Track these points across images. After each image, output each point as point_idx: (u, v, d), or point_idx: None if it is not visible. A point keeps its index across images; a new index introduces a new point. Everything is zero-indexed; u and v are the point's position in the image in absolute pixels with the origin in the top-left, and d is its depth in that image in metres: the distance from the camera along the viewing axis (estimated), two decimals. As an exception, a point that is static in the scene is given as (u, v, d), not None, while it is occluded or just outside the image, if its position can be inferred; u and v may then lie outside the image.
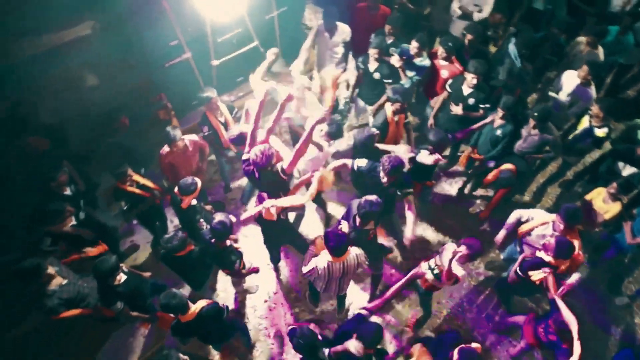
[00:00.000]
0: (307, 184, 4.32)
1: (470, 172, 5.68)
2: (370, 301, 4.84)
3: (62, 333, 4.67)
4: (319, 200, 5.31)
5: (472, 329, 4.78)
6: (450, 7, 6.09)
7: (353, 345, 3.13)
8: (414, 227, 4.29)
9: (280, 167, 4.00)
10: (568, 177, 5.84)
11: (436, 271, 3.93)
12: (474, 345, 3.30)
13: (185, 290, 4.58)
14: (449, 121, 5.39)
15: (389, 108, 4.84)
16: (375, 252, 4.27)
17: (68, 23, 5.02)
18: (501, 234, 4.49)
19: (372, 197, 3.70)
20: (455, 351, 3.17)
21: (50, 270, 3.71)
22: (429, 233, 5.56)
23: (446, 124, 5.53)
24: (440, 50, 5.39)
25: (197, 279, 4.33)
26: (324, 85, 5.10)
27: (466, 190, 5.86)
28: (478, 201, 5.89)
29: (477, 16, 5.89)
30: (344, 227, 3.91)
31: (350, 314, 4.83)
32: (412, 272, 4.17)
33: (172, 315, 3.51)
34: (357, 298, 4.97)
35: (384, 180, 4.12)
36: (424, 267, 4.04)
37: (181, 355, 3.16)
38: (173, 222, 5.46)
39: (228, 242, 3.98)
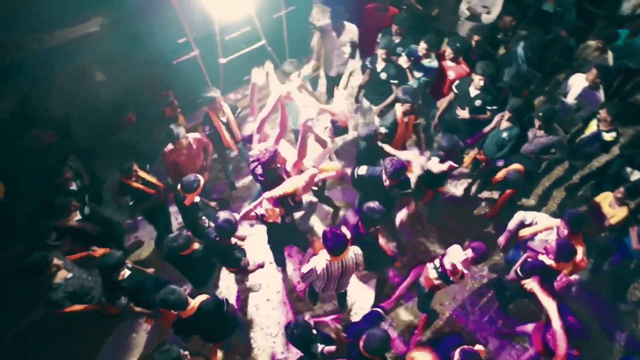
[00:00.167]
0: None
1: (477, 172, 5.63)
2: (375, 304, 4.83)
3: (65, 328, 4.71)
4: (324, 199, 5.32)
5: (474, 332, 4.76)
6: (459, 9, 6.08)
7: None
8: (404, 219, 4.37)
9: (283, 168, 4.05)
10: (574, 181, 5.80)
11: (440, 270, 3.93)
12: (477, 347, 3.29)
13: (188, 288, 4.60)
14: (455, 123, 5.37)
15: (399, 109, 4.83)
16: (380, 257, 4.27)
17: (77, 20, 5.05)
18: (504, 236, 4.47)
19: (374, 204, 3.73)
20: (457, 352, 3.15)
21: (57, 261, 3.73)
22: (433, 235, 5.55)
23: (452, 126, 5.52)
24: (447, 51, 5.38)
25: (201, 278, 4.34)
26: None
27: (472, 191, 5.83)
28: (483, 203, 5.87)
29: (485, 18, 5.87)
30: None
31: (353, 313, 4.85)
32: (417, 269, 4.17)
33: (173, 311, 3.51)
34: (360, 297, 4.97)
35: (386, 183, 4.13)
36: (429, 267, 4.05)
37: (182, 351, 3.17)
38: (177, 219, 5.48)
39: (233, 240, 3.99)
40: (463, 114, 5.20)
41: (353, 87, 6.94)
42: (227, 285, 5.10)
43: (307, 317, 3.31)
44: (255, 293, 5.06)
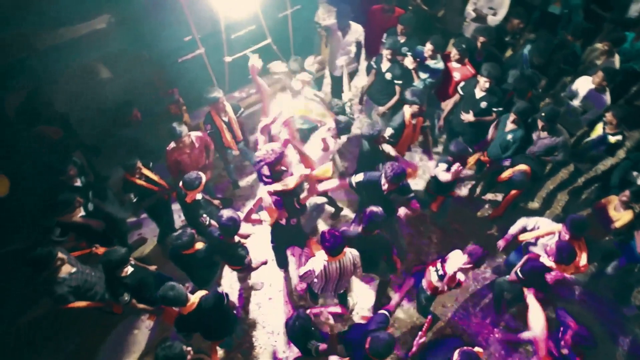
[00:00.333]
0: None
1: (484, 170, 5.58)
2: (375, 306, 4.84)
3: (67, 323, 4.74)
4: (327, 199, 5.32)
5: (476, 334, 4.75)
6: (465, 10, 6.06)
7: None
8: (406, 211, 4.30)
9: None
10: (579, 184, 5.78)
11: (441, 273, 3.94)
12: (476, 349, 3.28)
13: (190, 286, 4.61)
14: (460, 124, 5.36)
15: (407, 110, 4.81)
16: (378, 260, 4.28)
17: (84, 17, 5.08)
18: (504, 239, 4.44)
19: (377, 209, 3.75)
20: (456, 353, 3.15)
21: (61, 255, 3.74)
22: (436, 236, 5.53)
23: (457, 127, 5.50)
24: (453, 53, 5.36)
25: (204, 277, 4.34)
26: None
27: (476, 193, 5.81)
28: (486, 205, 5.85)
29: (491, 19, 5.86)
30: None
31: (355, 314, 4.84)
32: (418, 269, 4.17)
33: (174, 308, 3.52)
34: (362, 298, 4.97)
35: (385, 187, 4.13)
36: (431, 270, 4.05)
37: (185, 347, 3.17)
38: (181, 217, 5.49)
39: (237, 239, 3.99)
40: (468, 117, 5.18)
41: (357, 87, 6.95)
42: (229, 284, 5.10)
43: (308, 311, 3.32)
44: (257, 292, 5.06)
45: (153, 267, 4.51)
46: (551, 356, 3.70)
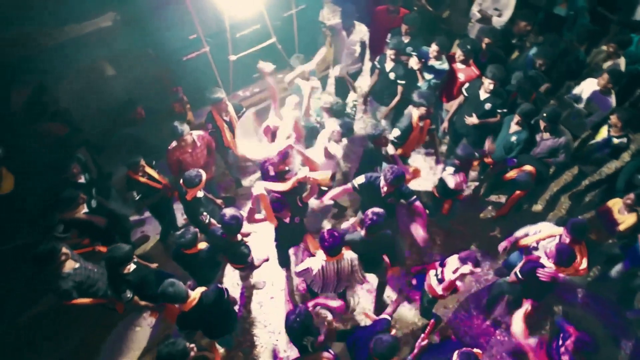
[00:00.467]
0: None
1: (488, 170, 5.56)
2: (376, 308, 4.84)
3: (69, 320, 4.75)
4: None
5: (478, 336, 4.73)
6: (470, 11, 6.05)
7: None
8: (425, 228, 4.28)
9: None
10: (583, 187, 5.75)
11: (440, 278, 3.95)
12: (476, 350, 3.28)
13: (192, 285, 4.62)
14: (464, 126, 5.35)
15: (415, 112, 4.79)
16: (377, 261, 4.28)
17: (90, 15, 5.10)
18: (503, 244, 4.41)
19: (377, 210, 3.76)
20: (455, 354, 3.16)
21: (65, 250, 3.76)
22: (439, 238, 5.52)
23: (461, 129, 5.49)
24: (458, 53, 5.35)
25: (206, 277, 4.34)
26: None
27: (480, 193, 5.79)
28: (490, 207, 5.83)
29: (496, 20, 5.84)
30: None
31: (356, 313, 4.84)
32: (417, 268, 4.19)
33: (175, 305, 3.53)
34: (363, 299, 4.97)
35: (384, 189, 4.12)
36: (431, 274, 4.05)
37: (188, 344, 3.17)
38: (184, 215, 5.51)
39: (239, 237, 4.00)
40: (472, 120, 5.17)
41: (361, 87, 6.94)
42: (231, 283, 5.11)
43: (311, 303, 3.36)
44: (259, 291, 5.07)
45: (154, 265, 4.53)
46: None
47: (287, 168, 4.21)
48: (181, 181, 4.27)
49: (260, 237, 5.12)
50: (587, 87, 5.14)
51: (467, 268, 3.71)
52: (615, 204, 4.47)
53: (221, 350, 4.56)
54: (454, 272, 3.76)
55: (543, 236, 4.12)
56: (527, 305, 3.75)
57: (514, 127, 4.87)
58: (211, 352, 3.82)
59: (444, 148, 6.35)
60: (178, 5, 5.00)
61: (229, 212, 3.78)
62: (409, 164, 5.67)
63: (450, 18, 6.56)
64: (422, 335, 3.56)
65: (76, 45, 5.02)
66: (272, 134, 4.73)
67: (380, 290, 4.74)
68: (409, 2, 6.32)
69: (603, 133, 4.90)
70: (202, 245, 4.03)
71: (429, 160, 6.28)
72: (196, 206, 4.39)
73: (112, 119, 5.24)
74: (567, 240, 3.87)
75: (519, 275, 3.95)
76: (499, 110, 5.08)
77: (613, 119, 4.69)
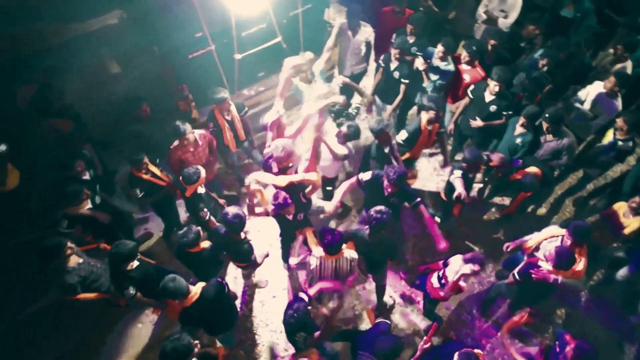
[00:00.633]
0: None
1: (492, 172, 5.53)
2: (376, 309, 4.83)
3: (72, 316, 4.77)
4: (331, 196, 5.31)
5: (480, 337, 4.72)
6: (476, 12, 6.03)
7: None
8: (440, 235, 4.24)
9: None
10: (588, 190, 5.72)
11: (443, 281, 3.94)
12: (476, 351, 3.27)
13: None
14: (468, 127, 5.33)
15: (424, 116, 4.77)
16: (381, 263, 4.28)
17: (97, 12, 5.13)
18: (512, 244, 4.38)
19: (381, 207, 3.71)
20: (456, 355, 3.16)
21: (70, 244, 3.79)
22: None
23: (466, 131, 5.48)
24: (463, 54, 5.33)
25: (209, 275, 4.32)
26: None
27: (485, 194, 5.77)
28: (493, 209, 5.81)
29: (502, 22, 5.82)
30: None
31: (358, 314, 4.83)
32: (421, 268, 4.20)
33: (177, 302, 3.53)
34: (364, 299, 4.97)
35: (387, 189, 4.10)
36: (434, 276, 4.04)
37: (192, 340, 3.18)
38: (187, 213, 5.52)
39: (242, 235, 4.00)
40: (476, 123, 5.16)
41: (366, 87, 6.94)
42: (233, 281, 5.11)
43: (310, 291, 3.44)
44: (261, 289, 5.07)
45: (152, 262, 4.54)
46: None
47: (290, 165, 4.20)
48: (181, 178, 4.29)
49: (259, 233, 5.14)
50: (592, 90, 5.12)
51: (468, 268, 3.70)
52: (621, 208, 4.44)
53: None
54: (456, 272, 3.75)
55: (545, 236, 4.09)
56: (520, 315, 3.76)
57: (519, 129, 4.85)
58: (216, 348, 3.84)
59: (448, 149, 6.33)
60: (184, 4, 5.02)
61: (231, 210, 3.79)
62: (414, 166, 5.66)
63: (456, 19, 6.54)
64: (425, 338, 3.57)
65: (82, 43, 5.04)
66: (277, 127, 4.72)
67: (380, 292, 4.73)
68: (414, 3, 6.31)
69: (609, 136, 4.87)
70: (205, 243, 4.03)
71: (432, 162, 6.27)
72: (196, 202, 4.39)
73: (117, 116, 5.26)
74: (569, 242, 3.85)
75: (516, 277, 3.95)
76: (504, 113, 5.06)
77: (619, 122, 4.65)
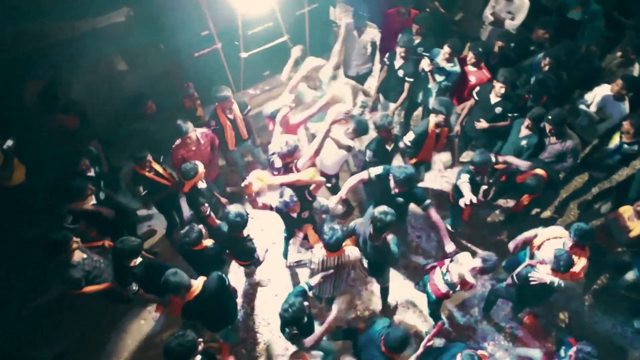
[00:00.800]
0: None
1: (497, 174, 5.51)
2: (381, 311, 4.83)
3: (74, 312, 4.79)
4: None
5: (482, 340, 4.70)
6: (483, 14, 6.01)
7: None
8: (448, 238, 4.22)
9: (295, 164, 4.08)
10: (593, 194, 5.68)
11: (446, 277, 3.90)
12: (480, 352, 3.26)
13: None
14: (473, 128, 5.31)
15: (432, 119, 4.74)
16: (383, 266, 4.26)
17: (104, 10, 5.16)
18: (513, 243, 4.37)
19: (384, 208, 3.66)
20: (459, 355, 3.16)
21: (76, 239, 3.82)
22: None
23: (471, 131, 5.46)
24: (469, 56, 5.32)
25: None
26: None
27: (489, 196, 5.74)
28: (497, 211, 5.79)
29: (508, 24, 5.80)
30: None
31: (359, 314, 4.82)
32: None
33: (179, 299, 3.54)
34: (366, 299, 4.96)
35: (395, 190, 4.08)
36: (437, 272, 4.01)
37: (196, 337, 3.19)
38: (191, 210, 5.53)
39: (245, 232, 4.01)
40: (481, 125, 5.14)
41: (371, 88, 6.93)
42: (235, 280, 5.10)
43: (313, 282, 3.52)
44: (263, 288, 5.07)
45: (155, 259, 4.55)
46: None
47: (295, 161, 4.19)
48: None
49: (262, 232, 5.13)
50: (599, 93, 5.09)
51: (478, 261, 3.71)
52: (626, 211, 4.41)
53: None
54: (465, 266, 3.75)
55: (549, 236, 4.07)
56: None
57: (524, 131, 4.82)
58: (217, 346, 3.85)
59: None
60: (191, 2, 5.04)
61: (233, 209, 3.80)
62: (422, 170, 5.65)
63: (463, 20, 6.53)
64: (428, 336, 3.57)
65: (89, 40, 5.08)
66: (286, 124, 4.70)
67: (384, 294, 4.72)
68: (420, 4, 6.30)
69: (615, 140, 4.84)
70: (208, 242, 4.04)
71: (437, 163, 6.25)
72: (196, 197, 4.38)
73: (123, 113, 5.28)
74: (570, 244, 3.84)
75: (515, 279, 3.94)
76: (509, 115, 5.04)
77: (626, 125, 4.62)
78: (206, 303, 3.56)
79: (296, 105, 5.14)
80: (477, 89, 5.25)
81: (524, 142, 4.83)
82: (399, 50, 5.24)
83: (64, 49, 4.97)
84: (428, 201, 4.17)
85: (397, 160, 5.02)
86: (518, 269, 3.98)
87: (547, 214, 5.79)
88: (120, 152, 5.56)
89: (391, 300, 4.85)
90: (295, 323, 3.33)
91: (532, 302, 4.29)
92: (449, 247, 4.18)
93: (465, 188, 4.30)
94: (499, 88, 4.90)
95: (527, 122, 4.72)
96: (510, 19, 5.82)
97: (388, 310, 4.82)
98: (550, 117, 4.57)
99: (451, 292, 3.95)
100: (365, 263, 3.94)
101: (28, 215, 4.84)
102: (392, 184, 4.06)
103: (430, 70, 5.23)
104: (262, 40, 5.66)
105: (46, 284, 4.92)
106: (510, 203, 5.68)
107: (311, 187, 4.27)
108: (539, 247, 4.08)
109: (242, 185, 4.04)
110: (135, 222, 5.34)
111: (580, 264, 3.84)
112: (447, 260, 4.04)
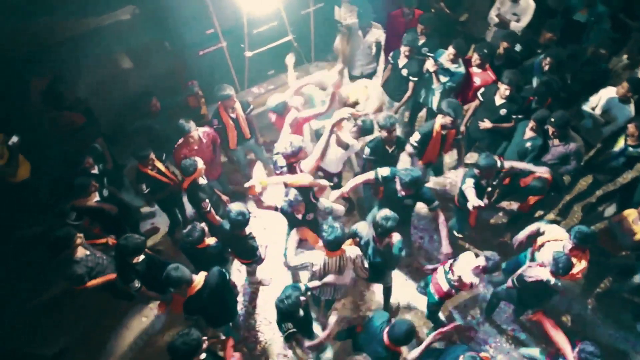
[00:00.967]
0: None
1: (500, 176, 5.49)
2: (384, 309, 4.78)
3: (76, 309, 4.80)
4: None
5: (484, 342, 4.69)
6: (488, 15, 5.99)
7: None
8: (448, 240, 4.22)
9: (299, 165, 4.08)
10: (597, 196, 5.65)
11: (449, 276, 3.89)
12: (483, 354, 3.25)
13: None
14: (477, 130, 5.29)
15: (438, 120, 4.70)
16: (384, 270, 4.24)
17: (109, 7, 5.18)
18: (518, 239, 4.33)
19: (387, 213, 3.65)
20: (461, 357, 3.15)
21: (80, 235, 3.85)
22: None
23: (474, 133, 5.44)
24: (474, 57, 5.30)
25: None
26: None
27: (493, 196, 5.73)
28: (500, 213, 5.77)
29: (514, 25, 5.78)
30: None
31: (361, 315, 4.82)
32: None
33: (181, 294, 3.54)
34: (368, 300, 4.95)
35: (401, 193, 4.07)
36: (440, 271, 4.01)
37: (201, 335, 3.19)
38: (193, 209, 5.54)
39: (247, 231, 4.01)
40: (485, 125, 5.12)
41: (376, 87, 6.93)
42: (236, 279, 5.11)
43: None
44: (264, 287, 5.07)
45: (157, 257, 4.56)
46: None
47: (299, 161, 4.19)
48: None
49: (265, 231, 5.13)
50: (604, 95, 5.06)
51: (482, 260, 3.70)
52: (631, 214, 4.38)
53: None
54: (469, 265, 3.74)
55: (550, 238, 4.05)
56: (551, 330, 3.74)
57: (528, 133, 4.80)
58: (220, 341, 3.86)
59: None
60: (196, 0, 5.05)
61: (235, 207, 3.80)
62: (430, 173, 5.63)
63: (468, 21, 6.51)
64: (435, 333, 3.56)
65: (94, 38, 5.10)
66: (296, 126, 4.70)
67: (386, 294, 4.71)
68: (425, 5, 6.29)
69: (621, 143, 4.82)
70: (211, 240, 4.05)
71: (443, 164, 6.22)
72: (195, 192, 4.37)
73: (127, 111, 5.29)
74: (570, 246, 3.82)
75: (515, 282, 3.93)
76: (513, 116, 5.03)
77: (631, 128, 4.59)
78: (207, 298, 3.57)
79: (305, 106, 5.18)
80: (482, 90, 5.24)
81: (528, 144, 4.81)
82: (403, 49, 5.23)
83: (70, 47, 4.98)
84: (437, 202, 4.16)
85: (403, 163, 5.00)
86: (518, 272, 3.96)
87: (550, 216, 5.77)
88: (124, 149, 5.57)
89: (392, 300, 4.84)
90: (290, 316, 3.33)
91: (533, 304, 4.28)
92: (446, 248, 4.18)
93: (470, 193, 4.26)
94: (503, 90, 4.88)
95: (531, 124, 4.70)
96: (515, 20, 5.80)
97: (390, 311, 4.81)
98: (552, 119, 4.55)
99: (453, 291, 3.94)
100: (366, 264, 3.93)
101: (30, 213, 4.85)
102: (398, 186, 4.04)
103: (435, 71, 5.22)
104: (266, 39, 5.66)
105: (47, 283, 4.94)
106: (514, 205, 5.66)
107: (315, 190, 4.27)
108: (539, 248, 4.07)
109: (245, 186, 4.04)
110: (138, 219, 5.35)
111: (579, 266, 3.81)
112: (450, 260, 4.03)
